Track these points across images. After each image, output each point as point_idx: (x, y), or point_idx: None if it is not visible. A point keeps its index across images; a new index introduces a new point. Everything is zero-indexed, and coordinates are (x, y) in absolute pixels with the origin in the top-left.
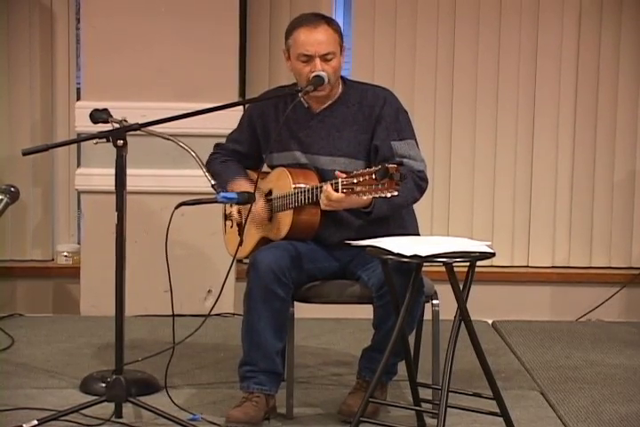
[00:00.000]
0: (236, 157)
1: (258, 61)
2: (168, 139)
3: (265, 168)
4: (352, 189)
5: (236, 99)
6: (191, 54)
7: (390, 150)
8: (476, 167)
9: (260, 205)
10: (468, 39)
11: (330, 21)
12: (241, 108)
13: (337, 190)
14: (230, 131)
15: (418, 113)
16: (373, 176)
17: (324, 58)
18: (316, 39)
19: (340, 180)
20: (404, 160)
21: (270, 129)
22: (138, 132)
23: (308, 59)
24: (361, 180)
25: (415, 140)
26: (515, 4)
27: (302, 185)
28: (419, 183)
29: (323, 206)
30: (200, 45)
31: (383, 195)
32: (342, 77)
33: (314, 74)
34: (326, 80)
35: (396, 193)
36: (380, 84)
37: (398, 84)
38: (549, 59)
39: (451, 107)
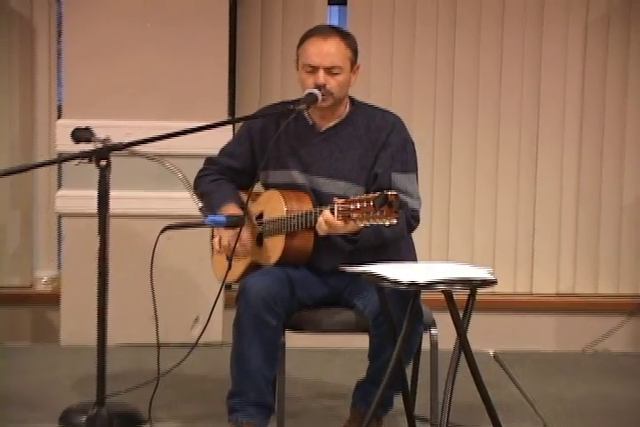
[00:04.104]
0: (227, 174)
1: (248, 78)
2: (154, 159)
3: (257, 188)
4: (349, 215)
5: (225, 117)
6: (179, 71)
7: (389, 181)
8: (476, 189)
9: (250, 228)
10: (470, 50)
11: (344, 35)
12: (230, 127)
13: (333, 215)
14: (219, 150)
15: (415, 130)
16: (371, 203)
17: (329, 71)
18: (322, 50)
19: (336, 205)
20: (401, 195)
21: (269, 145)
22: (122, 152)
23: (313, 70)
24: (359, 206)
25: (417, 173)
26: (518, 14)
27: (295, 209)
28: (410, 221)
29: (320, 232)
30: (188, 61)
31: (381, 222)
32: (352, 98)
33: (307, 91)
34: (319, 98)
35: (395, 221)
36: (377, 98)
37: (395, 98)
38: (554, 72)
39: (450, 124)
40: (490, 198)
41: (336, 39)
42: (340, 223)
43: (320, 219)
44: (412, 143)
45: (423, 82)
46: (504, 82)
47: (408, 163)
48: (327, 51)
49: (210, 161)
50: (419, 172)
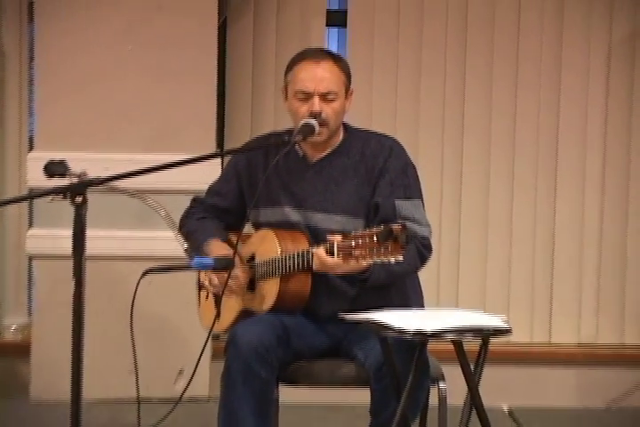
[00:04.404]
0: (215, 214)
1: (239, 107)
2: (134, 196)
3: (248, 228)
4: (350, 252)
5: (213, 149)
6: (163, 99)
7: (393, 210)
8: (489, 226)
9: (240, 272)
10: (481, 76)
11: (337, 59)
12: (219, 160)
13: (332, 254)
14: (207, 185)
15: (422, 164)
16: (375, 238)
17: (325, 97)
18: (316, 75)
19: (335, 242)
20: (408, 223)
21: (259, 181)
22: (100, 187)
23: (306, 97)
24: (360, 242)
25: (422, 200)
26: (534, 36)
27: (290, 249)
28: (421, 251)
29: (315, 269)
30: (173, 89)
31: (386, 260)
32: (344, 124)
33: (302, 122)
34: (317, 129)
35: (401, 258)
36: (380, 127)
37: (400, 127)
38: (574, 104)
39: (460, 156)
40: (504, 237)
41: (329, 62)
42: (334, 262)
43: (315, 258)
44: (414, 167)
45: (430, 110)
46: (519, 112)
47: (411, 188)
48: (321, 75)
49: (196, 201)
50: (424, 198)
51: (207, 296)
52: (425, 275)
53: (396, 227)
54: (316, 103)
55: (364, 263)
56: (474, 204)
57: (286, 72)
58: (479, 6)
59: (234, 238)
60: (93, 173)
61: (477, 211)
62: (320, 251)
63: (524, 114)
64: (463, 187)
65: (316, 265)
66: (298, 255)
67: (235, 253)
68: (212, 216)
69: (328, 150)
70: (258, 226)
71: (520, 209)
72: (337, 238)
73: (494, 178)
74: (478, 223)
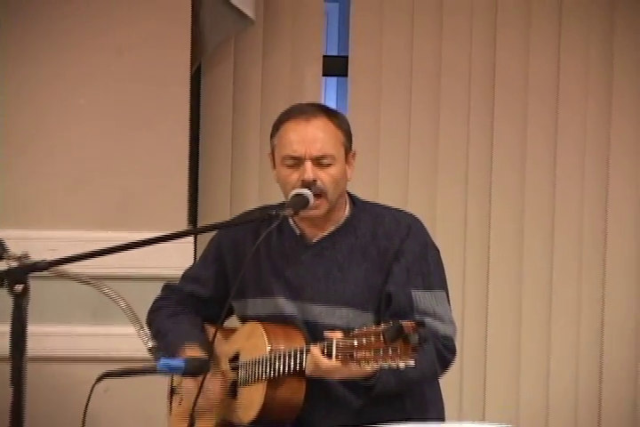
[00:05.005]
0: (193, 305)
1: (215, 176)
2: (88, 283)
3: (233, 320)
4: (351, 354)
5: (184, 226)
6: (123, 166)
7: (409, 302)
8: (523, 322)
9: (219, 375)
10: (510, 138)
11: (332, 115)
12: (191, 239)
13: (329, 355)
14: (177, 270)
15: (441, 244)
16: (381, 337)
17: (319, 162)
18: (307, 135)
19: (334, 341)
20: (427, 319)
21: (245, 265)
22: (45, 273)
23: (296, 162)
24: (364, 342)
25: (446, 291)
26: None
27: (282, 348)
28: (443, 354)
29: (308, 373)
30: (134, 152)
31: (394, 364)
32: (351, 196)
33: (294, 192)
34: (311, 201)
35: (412, 363)
36: (387, 199)
37: (413, 199)
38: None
39: (487, 235)
40: (542, 336)
41: (322, 119)
42: (331, 365)
43: (309, 359)
44: (436, 250)
45: (451, 177)
46: (558, 190)
47: (432, 275)
48: (313, 135)
49: (168, 289)
50: (448, 288)
51: (180, 403)
52: (445, 381)
53: (406, 324)
54: (309, 169)
55: (368, 368)
56: (503, 289)
57: (272, 134)
58: (507, 59)
59: (212, 332)
60: (37, 255)
61: (509, 300)
62: (315, 350)
63: (564, 189)
64: (491, 269)
65: (309, 368)
66: (289, 355)
67: (211, 353)
68: (187, 310)
69: (331, 228)
70: (245, 320)
71: (561, 300)
72: (336, 336)
73: (529, 259)
74: (510, 316)
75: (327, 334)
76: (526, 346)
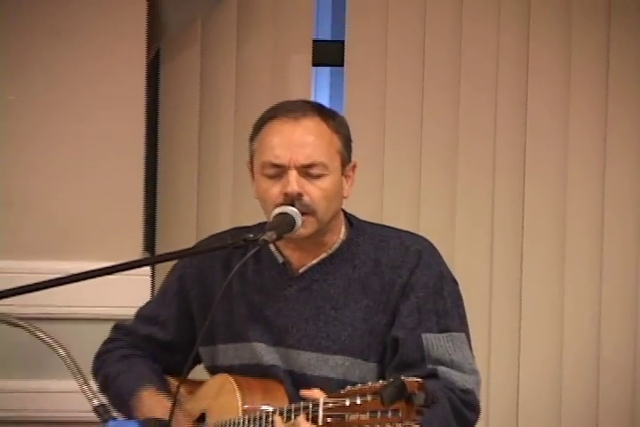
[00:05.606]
0: (148, 350)
1: (177, 194)
2: (19, 326)
3: (200, 371)
4: (341, 417)
5: (139, 254)
6: (66, 185)
7: (419, 349)
8: (564, 376)
9: None
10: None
11: (327, 115)
12: (148, 270)
13: (314, 420)
14: (130, 308)
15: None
16: (378, 397)
17: (307, 172)
18: (293, 139)
19: (321, 399)
20: (440, 369)
21: (215, 302)
22: None
23: (279, 172)
24: (358, 402)
25: (467, 333)
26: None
27: (259, 406)
28: (461, 412)
29: None
30: (80, 170)
31: None
32: (347, 216)
33: (276, 211)
34: (298, 222)
35: None
36: (394, 222)
37: (425, 220)
38: None
39: (519, 257)
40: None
41: (314, 119)
42: None
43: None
44: (453, 282)
45: (472, 194)
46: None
47: (447, 315)
48: (300, 139)
49: (119, 330)
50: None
51: None
52: None
53: (410, 381)
54: (293, 180)
55: None
56: (541, 337)
57: (252, 137)
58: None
59: (173, 386)
60: None
61: (546, 348)
62: (299, 419)
63: (573, 221)
64: (523, 312)
65: None
66: (264, 418)
67: (172, 411)
68: (142, 354)
69: (322, 255)
70: (214, 371)
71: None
72: (315, 395)
73: (569, 297)
74: (548, 360)
75: (304, 393)
76: (568, 388)
